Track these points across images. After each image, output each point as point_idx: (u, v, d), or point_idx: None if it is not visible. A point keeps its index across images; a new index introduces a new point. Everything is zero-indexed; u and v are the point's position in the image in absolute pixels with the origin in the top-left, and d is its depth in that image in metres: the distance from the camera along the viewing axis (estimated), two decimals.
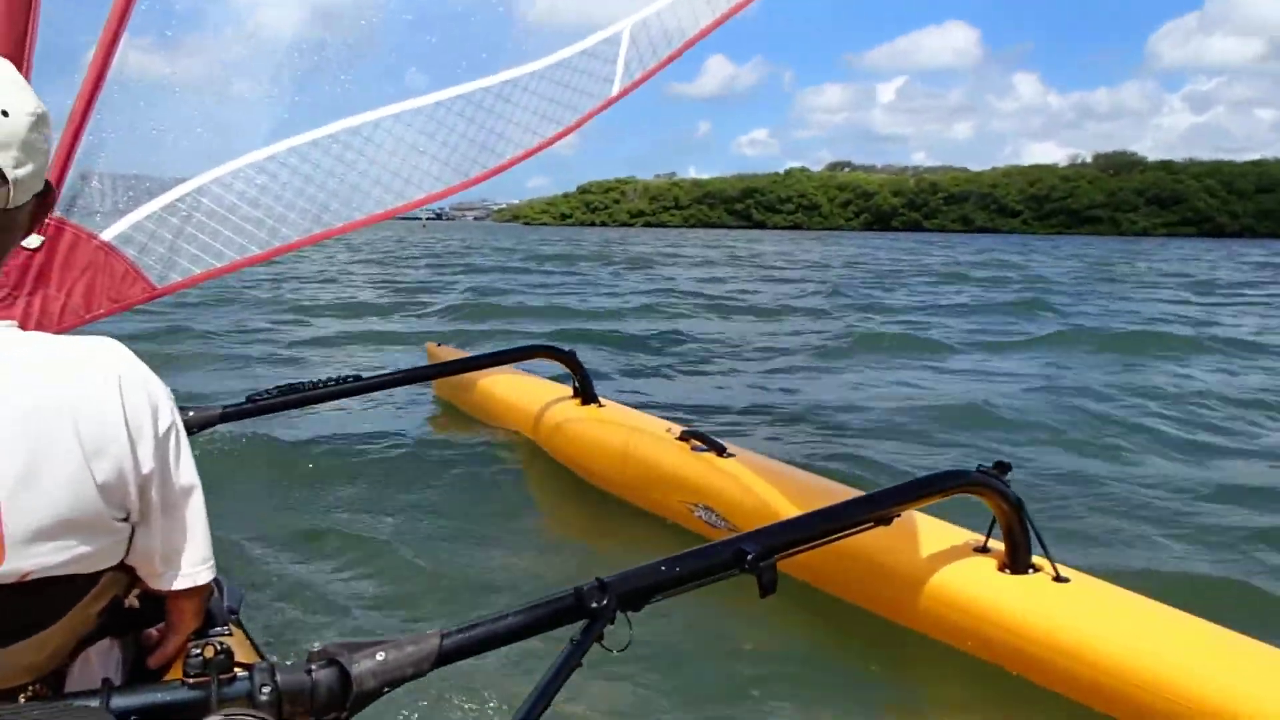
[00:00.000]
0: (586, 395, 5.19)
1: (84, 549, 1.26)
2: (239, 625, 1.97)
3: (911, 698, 2.93)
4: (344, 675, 1.50)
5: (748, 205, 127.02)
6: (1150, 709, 2.52)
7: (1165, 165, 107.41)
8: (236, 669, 1.40)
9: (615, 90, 3.23)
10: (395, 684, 1.56)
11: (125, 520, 1.31)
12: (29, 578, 1.21)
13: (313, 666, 1.50)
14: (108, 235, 2.91)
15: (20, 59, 2.68)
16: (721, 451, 4.21)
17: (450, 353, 6.72)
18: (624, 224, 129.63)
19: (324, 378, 4.32)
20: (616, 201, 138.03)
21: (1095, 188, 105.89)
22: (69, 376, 1.22)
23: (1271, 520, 4.60)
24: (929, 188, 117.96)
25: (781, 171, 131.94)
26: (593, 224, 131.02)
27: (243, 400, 3.98)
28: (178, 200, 3.00)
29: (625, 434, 4.75)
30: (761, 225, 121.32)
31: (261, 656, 1.79)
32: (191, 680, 1.35)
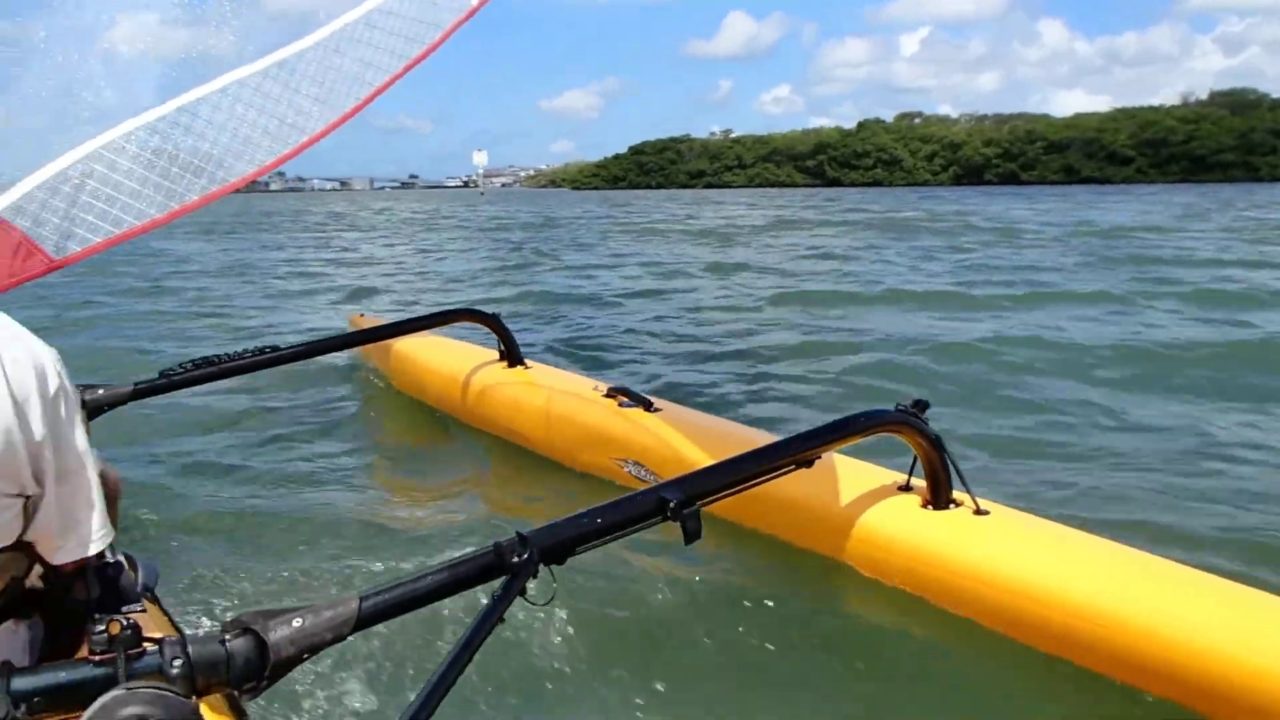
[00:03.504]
0: (512, 358, 5.15)
1: None
2: (154, 601, 1.93)
3: (841, 628, 2.98)
4: (260, 644, 1.47)
5: (820, 162, 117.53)
6: (1071, 630, 2.60)
7: None
8: (146, 644, 1.36)
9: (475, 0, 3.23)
10: (314, 650, 1.53)
11: (17, 495, 1.26)
12: None
13: (227, 636, 1.46)
14: None
15: None
16: (648, 406, 4.22)
17: (373, 321, 6.61)
18: (683, 185, 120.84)
19: (240, 349, 4.21)
20: (673, 162, 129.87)
21: (1220, 129, 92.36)
22: None
23: (1184, 446, 4.77)
24: (1024, 136, 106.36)
25: (852, 126, 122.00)
26: (648, 186, 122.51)
27: (155, 376, 3.86)
28: (68, 168, 2.89)
29: (552, 394, 4.73)
30: (837, 183, 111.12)
31: (178, 632, 1.75)
32: (98, 658, 1.31)
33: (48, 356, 1.28)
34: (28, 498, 1.29)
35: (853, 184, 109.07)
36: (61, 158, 2.94)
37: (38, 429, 1.24)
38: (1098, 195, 56.60)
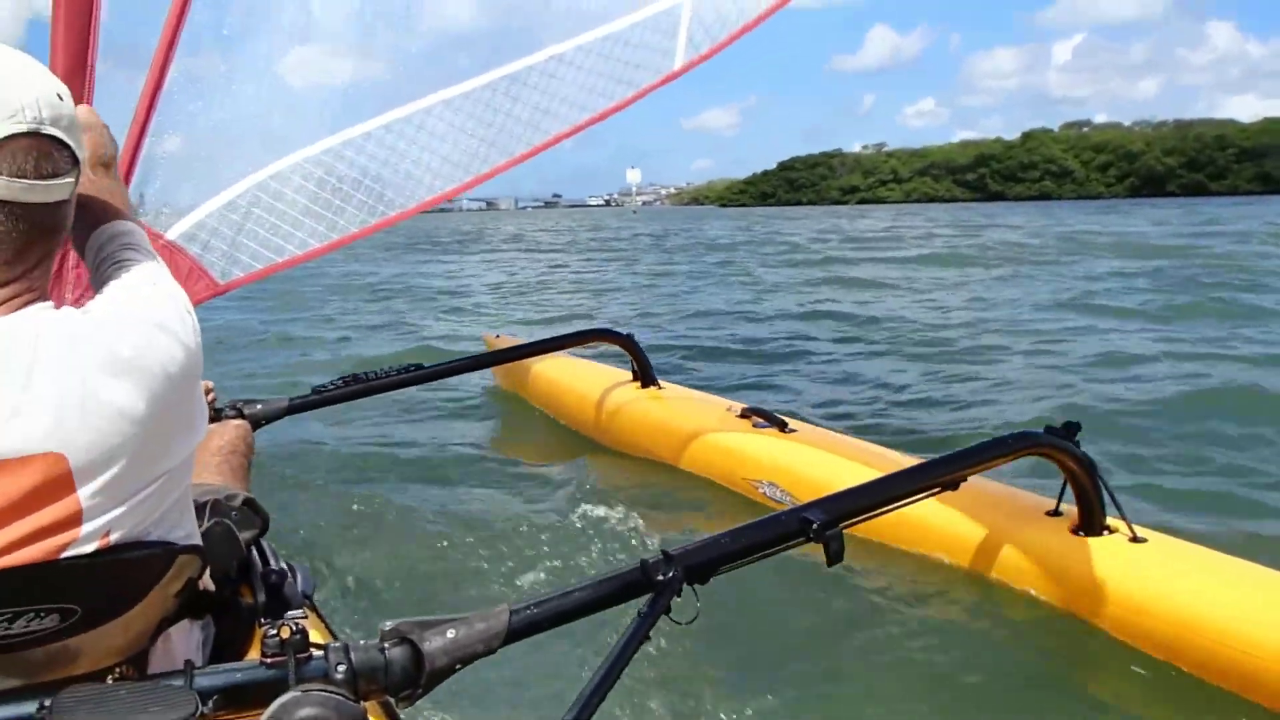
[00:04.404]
0: (646, 378, 5.18)
1: (154, 500, 1.27)
2: (313, 609, 2.01)
3: (989, 650, 2.88)
4: (416, 653, 1.51)
5: (981, 175, 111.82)
6: (1232, 662, 2.47)
7: None
8: (312, 649, 1.42)
9: (677, 64, 3.22)
10: (466, 661, 1.57)
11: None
12: (110, 540, 1.22)
13: (386, 645, 1.50)
14: (172, 234, 2.96)
15: (83, 63, 2.74)
16: (784, 427, 4.20)
17: (508, 341, 6.76)
18: (835, 201, 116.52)
19: (385, 368, 4.36)
20: (824, 178, 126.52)
21: None
22: (111, 342, 1.22)
23: None
24: (1213, 143, 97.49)
25: (1017, 136, 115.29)
26: (798, 203, 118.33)
27: (309, 392, 4.04)
28: (237, 197, 3.05)
29: (686, 414, 4.74)
30: (1000, 196, 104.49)
31: (335, 638, 1.82)
32: (269, 660, 1.37)
33: (193, 326, 1.33)
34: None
35: (1017, 197, 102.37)
36: (231, 187, 3.10)
37: (183, 405, 1.29)
38: None
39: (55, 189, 1.23)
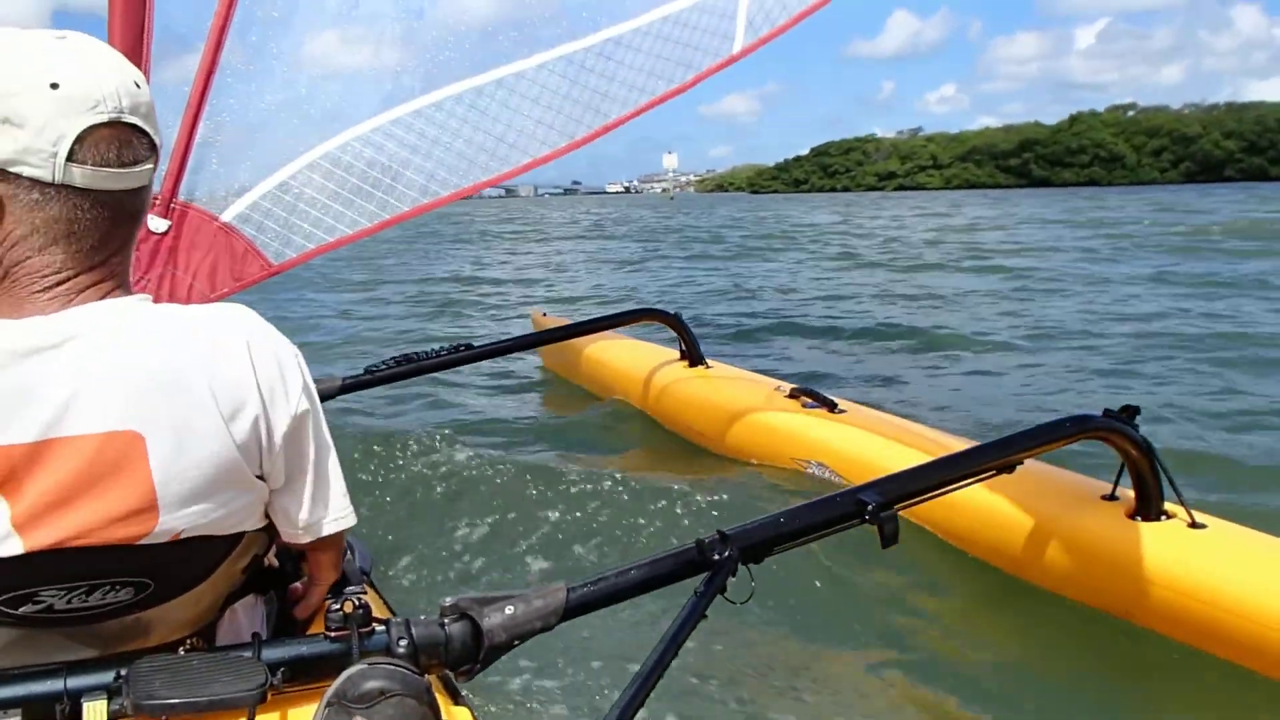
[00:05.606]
0: (694, 357, 5.18)
1: (230, 507, 1.29)
2: (371, 585, 2.03)
3: (1040, 638, 2.85)
4: (475, 629, 1.52)
5: (1025, 160, 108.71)
6: None
7: None
8: (374, 623, 1.44)
9: (737, 48, 3.18)
10: (524, 637, 1.58)
11: (263, 484, 1.34)
12: (181, 536, 1.25)
13: (446, 620, 1.52)
14: (228, 216, 3.00)
15: (139, 49, 2.78)
16: (833, 408, 4.17)
17: (556, 321, 6.78)
18: (870, 187, 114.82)
19: (436, 347, 4.39)
20: (859, 163, 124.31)
21: None
22: (201, 341, 1.25)
23: None
24: (1275, 125, 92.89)
25: (1065, 119, 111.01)
26: (832, 189, 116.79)
27: (361, 371, 4.09)
28: (290, 178, 3.08)
29: (735, 394, 4.73)
30: (1045, 183, 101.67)
31: (393, 613, 1.84)
32: (333, 634, 1.40)
33: (290, 356, 1.33)
34: (273, 487, 1.37)
35: (1064, 184, 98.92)
36: (284, 168, 3.13)
37: (281, 425, 1.30)
38: None
39: (136, 176, 1.25)
